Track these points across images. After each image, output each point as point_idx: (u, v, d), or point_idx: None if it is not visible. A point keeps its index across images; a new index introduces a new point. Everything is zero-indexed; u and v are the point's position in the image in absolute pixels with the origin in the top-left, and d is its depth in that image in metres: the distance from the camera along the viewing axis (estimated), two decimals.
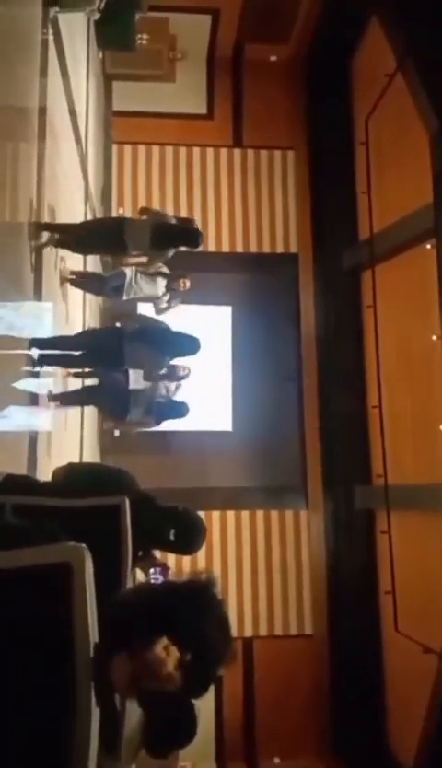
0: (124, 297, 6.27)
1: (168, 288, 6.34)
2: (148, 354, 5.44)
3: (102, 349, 5.40)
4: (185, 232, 5.80)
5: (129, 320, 5.95)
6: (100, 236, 5.64)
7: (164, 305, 6.48)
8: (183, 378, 6.56)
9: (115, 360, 5.36)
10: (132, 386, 6.14)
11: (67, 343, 5.26)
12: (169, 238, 5.61)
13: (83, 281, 6.34)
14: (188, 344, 5.55)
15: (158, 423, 6.31)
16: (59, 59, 5.59)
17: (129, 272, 6.13)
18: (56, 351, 5.10)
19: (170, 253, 5.79)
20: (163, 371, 6.14)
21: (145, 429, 6.64)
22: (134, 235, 5.37)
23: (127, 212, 9.68)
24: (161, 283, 6.33)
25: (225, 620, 1.48)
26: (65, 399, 5.84)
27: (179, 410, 6.31)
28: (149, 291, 6.29)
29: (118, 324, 6.48)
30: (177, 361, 6.14)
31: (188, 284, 6.44)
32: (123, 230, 5.34)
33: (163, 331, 5.56)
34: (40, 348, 4.78)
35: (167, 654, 1.38)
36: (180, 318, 9.60)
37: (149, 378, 5.92)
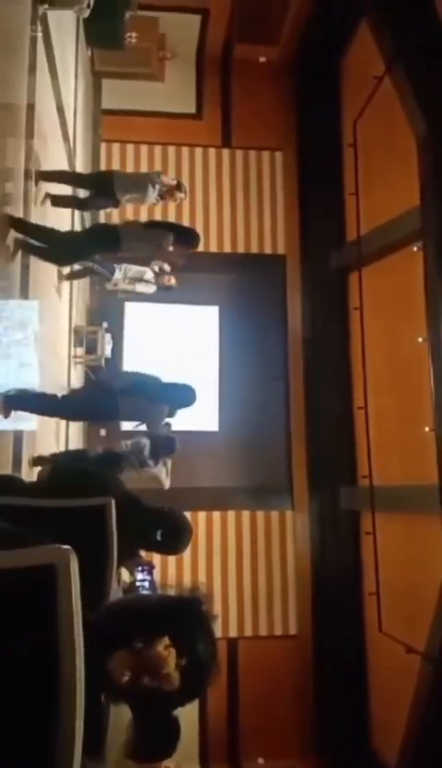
0: (116, 272, 6.12)
1: (162, 196, 6.00)
2: (144, 407, 5.00)
3: (96, 408, 5.04)
4: (181, 229, 5.69)
5: (119, 377, 5.60)
6: (93, 241, 5.51)
7: (155, 272, 6.27)
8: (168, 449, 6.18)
9: (108, 416, 5.07)
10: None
11: (52, 404, 4.79)
12: (166, 229, 5.49)
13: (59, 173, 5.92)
14: (184, 394, 5.11)
15: (156, 462, 5.83)
16: (48, 56, 5.56)
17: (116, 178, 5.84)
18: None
19: (166, 243, 5.55)
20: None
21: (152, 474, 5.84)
22: (129, 235, 5.27)
23: (114, 211, 9.66)
24: (151, 187, 6.13)
25: (214, 637, 1.52)
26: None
27: (169, 446, 5.87)
28: (136, 273, 6.19)
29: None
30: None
31: (182, 195, 6.16)
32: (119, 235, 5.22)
33: (156, 384, 5.12)
34: (16, 408, 4.36)
35: (168, 654, 1.39)
36: (169, 317, 9.62)
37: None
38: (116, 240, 5.18)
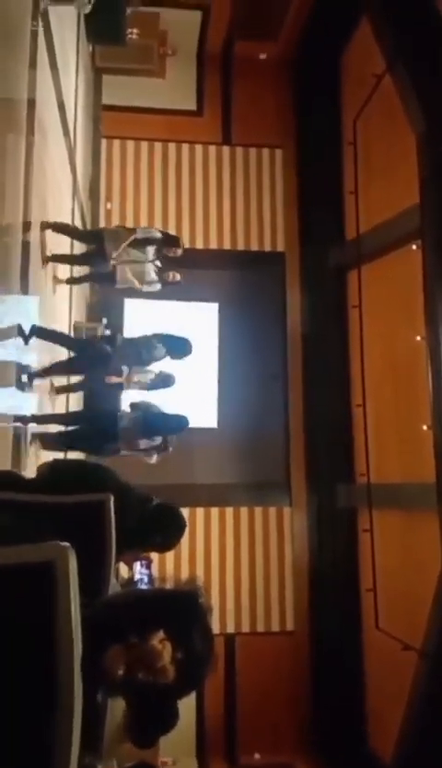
0: (111, 260, 6.18)
1: (160, 254, 6.28)
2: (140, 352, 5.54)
3: (97, 430, 5.38)
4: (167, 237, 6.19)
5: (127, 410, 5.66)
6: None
7: (152, 277, 6.39)
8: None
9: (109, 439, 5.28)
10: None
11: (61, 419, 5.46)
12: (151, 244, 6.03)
13: (64, 255, 6.20)
14: (179, 344, 5.64)
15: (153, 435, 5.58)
16: (48, 51, 5.55)
17: (107, 233, 6.20)
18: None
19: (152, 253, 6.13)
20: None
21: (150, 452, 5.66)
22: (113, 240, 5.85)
23: (114, 207, 9.66)
24: (150, 250, 6.27)
25: (210, 630, 1.52)
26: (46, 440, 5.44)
27: (176, 420, 5.57)
28: (138, 257, 6.23)
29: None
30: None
31: (180, 252, 6.35)
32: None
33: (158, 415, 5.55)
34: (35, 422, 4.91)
35: (162, 647, 1.40)
36: (168, 314, 9.61)
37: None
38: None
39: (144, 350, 5.57)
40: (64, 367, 5.72)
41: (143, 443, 5.39)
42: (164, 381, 6.04)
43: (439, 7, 7.01)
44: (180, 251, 6.34)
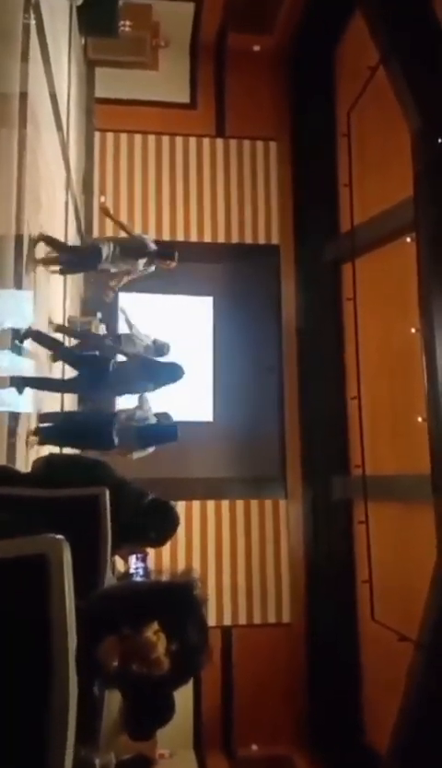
0: (100, 267, 6.16)
1: (152, 265, 6.20)
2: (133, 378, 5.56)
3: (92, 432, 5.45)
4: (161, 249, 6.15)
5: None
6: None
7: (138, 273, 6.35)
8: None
9: (104, 443, 5.33)
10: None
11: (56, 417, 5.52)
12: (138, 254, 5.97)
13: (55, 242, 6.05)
14: (170, 371, 5.64)
15: (147, 446, 5.85)
16: (41, 44, 5.51)
17: (106, 248, 6.01)
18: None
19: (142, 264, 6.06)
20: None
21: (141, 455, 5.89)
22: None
23: (108, 201, 9.62)
24: (141, 262, 6.20)
25: (205, 622, 1.52)
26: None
27: (169, 432, 5.80)
28: (126, 268, 6.20)
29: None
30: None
31: (173, 265, 6.24)
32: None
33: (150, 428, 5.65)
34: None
35: (157, 639, 1.41)
36: (163, 308, 9.59)
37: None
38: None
39: (133, 388, 5.63)
40: (59, 387, 5.78)
41: (136, 454, 5.53)
42: (158, 350, 6.06)
43: (433, 2, 6.99)
44: (173, 265, 6.20)
